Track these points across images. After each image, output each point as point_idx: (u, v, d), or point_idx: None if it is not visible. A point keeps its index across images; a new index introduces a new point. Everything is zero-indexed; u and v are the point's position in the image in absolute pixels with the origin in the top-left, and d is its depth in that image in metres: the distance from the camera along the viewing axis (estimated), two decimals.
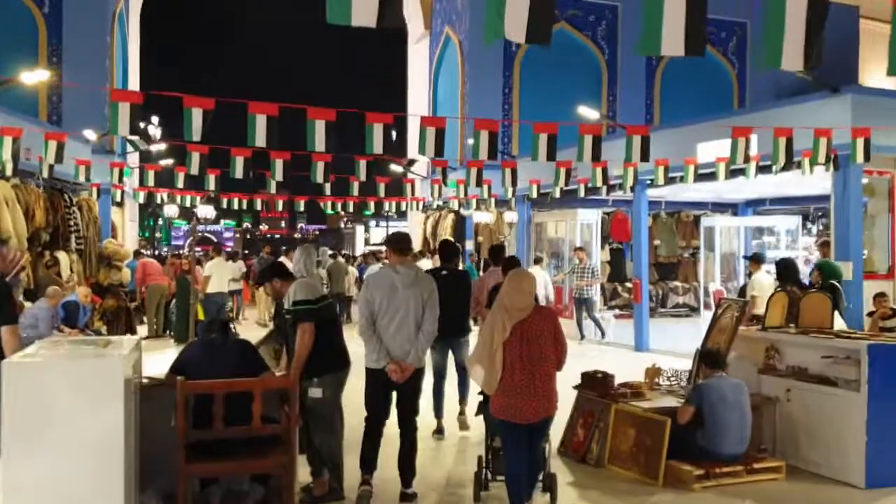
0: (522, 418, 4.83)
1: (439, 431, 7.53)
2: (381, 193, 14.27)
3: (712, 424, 6.08)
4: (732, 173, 11.02)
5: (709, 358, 6.45)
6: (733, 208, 19.60)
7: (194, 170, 8.52)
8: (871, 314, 9.90)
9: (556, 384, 4.98)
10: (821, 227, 20.45)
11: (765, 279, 10.09)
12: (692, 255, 20.31)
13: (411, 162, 18.76)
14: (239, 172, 8.61)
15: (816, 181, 14.46)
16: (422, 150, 6.60)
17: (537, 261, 15.36)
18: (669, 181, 12.19)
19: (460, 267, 8.46)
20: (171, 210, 22.72)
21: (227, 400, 4.68)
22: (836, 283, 9.54)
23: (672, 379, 7.37)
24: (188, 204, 17.06)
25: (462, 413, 7.75)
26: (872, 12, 25.75)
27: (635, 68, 22.26)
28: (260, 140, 6.14)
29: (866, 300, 10.47)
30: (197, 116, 5.98)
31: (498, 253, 8.68)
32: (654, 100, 22.30)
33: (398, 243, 5.79)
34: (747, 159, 7.61)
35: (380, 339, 5.51)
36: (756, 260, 10.53)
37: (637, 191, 14.14)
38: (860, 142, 7.64)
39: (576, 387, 7.07)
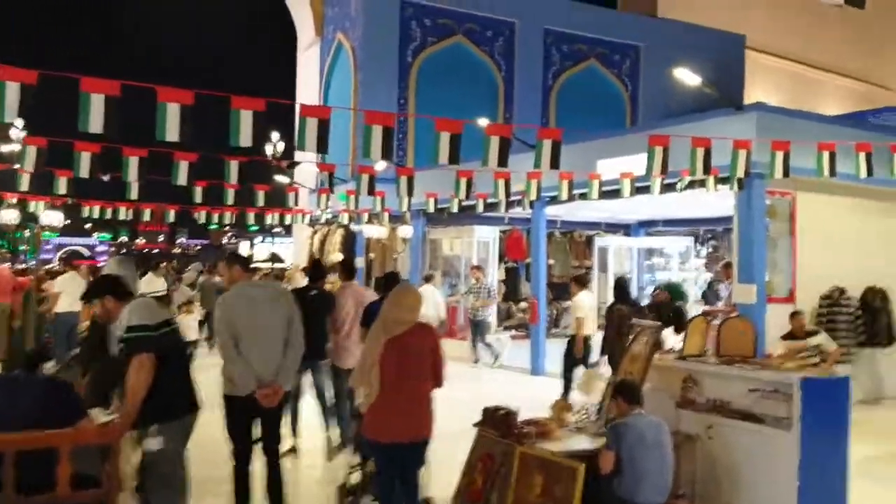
0: (395, 437, 4.68)
1: (293, 451, 7.35)
2: (261, 203, 12.94)
3: (630, 470, 5.28)
4: (638, 190, 10.50)
5: (627, 392, 5.66)
6: (626, 229, 19.42)
7: (29, 166, 7.15)
8: (785, 336, 9.56)
9: (433, 405, 4.85)
10: (710, 250, 20.59)
11: (586, 300, 10.38)
12: (585, 275, 20.02)
13: (292, 164, 17.53)
14: (84, 171, 7.26)
15: (713, 202, 14.28)
16: (301, 145, 5.56)
17: (428, 278, 14.49)
18: (572, 198, 11.59)
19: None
20: (49, 217, 20.46)
21: (23, 458, 3.49)
22: (679, 306, 9.35)
23: (581, 414, 6.57)
24: (31, 209, 15.17)
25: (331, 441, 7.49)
26: (756, 44, 26.57)
27: (531, 86, 21.90)
28: (96, 126, 4.94)
29: (769, 324, 10.12)
30: (12, 92, 4.74)
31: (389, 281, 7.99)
32: (550, 118, 21.98)
33: (239, 259, 5.64)
34: (665, 169, 6.97)
35: (246, 362, 5.11)
36: (579, 282, 10.59)
37: (536, 208, 13.57)
38: (779, 156, 7.18)
39: (476, 424, 6.15)
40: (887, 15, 32.07)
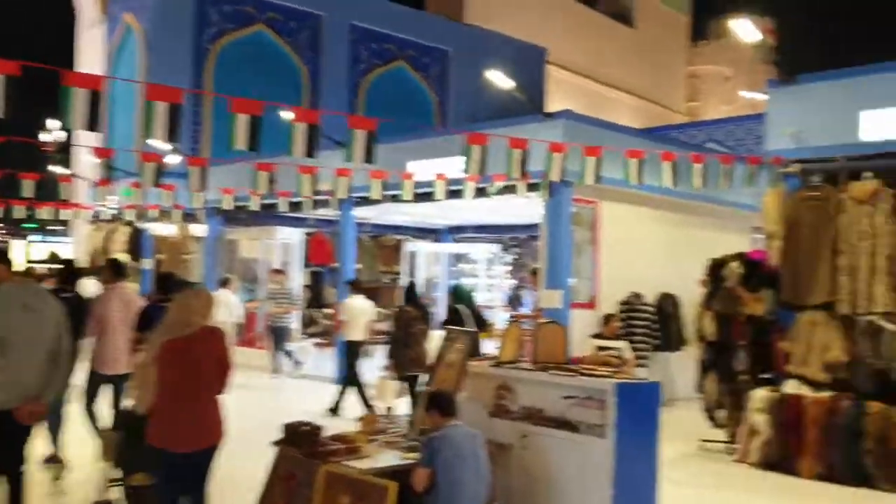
0: (181, 446, 4.46)
1: (58, 462, 6.70)
2: (27, 194, 11.24)
3: (446, 485, 4.89)
4: (451, 194, 10.29)
5: (441, 403, 5.26)
6: (435, 234, 19.37)
7: None
8: (595, 336, 9.74)
9: (221, 411, 4.62)
10: (514, 256, 21.02)
11: (357, 304, 10.53)
12: (393, 280, 19.76)
13: (64, 147, 15.75)
14: None
15: (519, 210, 14.48)
16: (69, 121, 4.68)
17: (224, 282, 13.48)
18: (383, 198, 11.17)
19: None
20: None
21: None
22: (462, 307, 9.48)
23: (391, 426, 6.11)
24: None
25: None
26: (555, 58, 27.73)
27: (338, 82, 21.34)
28: None
29: (573, 329, 10.25)
30: None
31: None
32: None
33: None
34: (483, 169, 6.70)
35: (10, 372, 4.75)
36: (354, 286, 10.82)
37: (344, 209, 13.03)
38: (590, 161, 7.15)
39: (276, 443, 5.51)
40: (656, 34, 34.79)
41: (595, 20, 32.70)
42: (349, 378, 10.18)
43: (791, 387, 7.71)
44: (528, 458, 5.65)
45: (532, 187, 10.20)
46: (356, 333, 10.42)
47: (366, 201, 12.97)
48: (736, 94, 47.83)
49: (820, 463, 7.23)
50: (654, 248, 11.85)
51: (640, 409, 5.38)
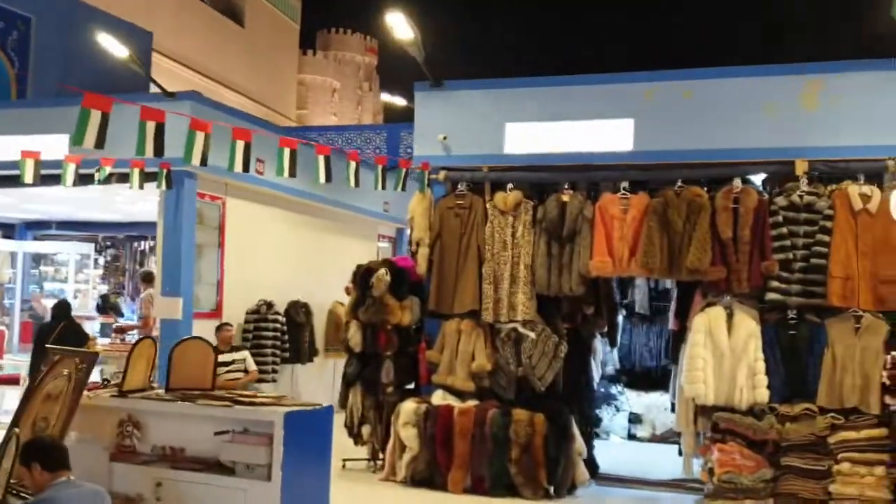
0: None
1: None
2: None
3: None
4: (45, 180, 8.28)
5: (44, 454, 3.78)
6: (8, 230, 16.17)
7: None
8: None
9: None
10: (108, 258, 18.61)
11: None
12: None
13: None
14: None
15: (120, 204, 12.63)
16: None
17: None
18: None
19: None
20: None
21: None
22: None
23: None
24: None
25: None
26: (162, 47, 25.45)
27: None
28: None
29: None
30: None
31: None
32: None
33: None
34: (101, 143, 5.16)
35: None
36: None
37: None
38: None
39: None
40: (267, 37, 34.39)
41: (205, 13, 30.99)
42: None
43: (438, 398, 7.45)
44: None
45: (148, 177, 8.69)
46: None
47: None
48: (343, 105, 49.58)
49: (469, 475, 7.05)
50: (283, 252, 11.03)
51: (312, 442, 4.50)
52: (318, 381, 11.66)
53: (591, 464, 7.52)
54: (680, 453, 7.25)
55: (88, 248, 15.66)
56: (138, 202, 12.68)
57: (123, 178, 8.63)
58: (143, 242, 18.45)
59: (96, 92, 5.38)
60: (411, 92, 8.48)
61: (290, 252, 11.18)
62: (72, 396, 4.56)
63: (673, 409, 7.78)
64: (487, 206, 7.73)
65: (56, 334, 8.66)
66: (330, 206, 11.88)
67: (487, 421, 7.09)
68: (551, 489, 6.92)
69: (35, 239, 16.10)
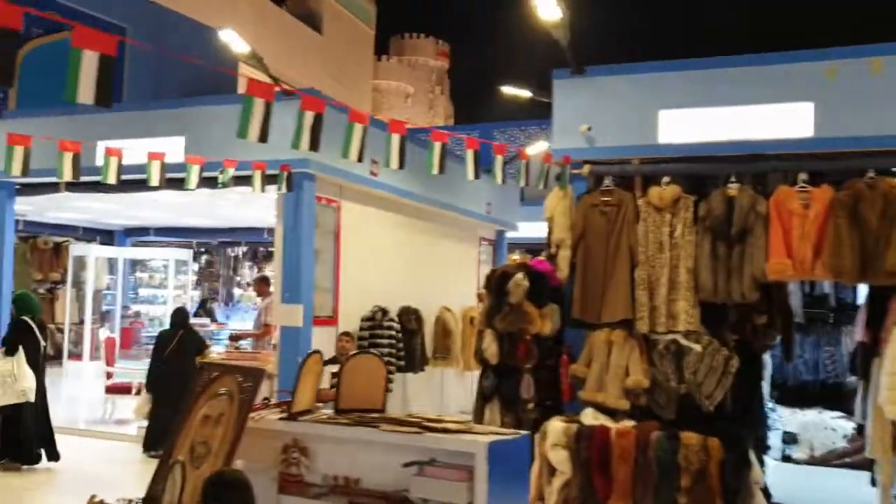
0: None
1: None
2: None
3: None
4: (169, 183, 7.93)
5: (230, 493, 3.25)
6: (105, 237, 16.15)
7: None
8: (328, 362, 8.07)
9: None
10: (202, 264, 18.53)
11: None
12: (49, 290, 16.14)
13: None
14: None
15: (222, 210, 12.34)
16: None
17: None
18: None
19: None
20: None
21: None
22: (29, 320, 7.97)
23: None
24: None
25: None
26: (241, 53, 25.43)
27: None
28: None
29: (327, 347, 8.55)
30: None
31: None
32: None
33: None
34: (265, 134, 4.64)
35: None
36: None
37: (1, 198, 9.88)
38: (395, 140, 5.30)
39: None
40: (343, 44, 34.26)
41: (284, 19, 31.04)
42: None
43: (589, 417, 6.75)
44: None
45: (269, 179, 8.28)
46: None
47: (36, 188, 9.96)
48: (416, 109, 49.32)
49: None
50: (393, 256, 10.54)
51: (513, 477, 3.86)
52: (427, 392, 11.15)
53: (765, 493, 6.71)
54: (873, 483, 6.39)
55: (186, 254, 15.49)
56: (241, 207, 12.40)
57: (243, 180, 8.21)
58: (236, 248, 18.31)
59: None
60: (479, 92, 7.69)
61: (399, 256, 10.69)
62: (237, 419, 4.04)
63: (860, 432, 6.91)
64: (639, 202, 7.00)
65: (175, 342, 8.30)
66: (437, 209, 11.35)
67: (651, 444, 6.35)
68: None
69: (133, 245, 16.04)
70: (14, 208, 10.19)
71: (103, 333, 12.44)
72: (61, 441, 9.33)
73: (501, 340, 7.26)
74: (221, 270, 18.41)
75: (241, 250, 18.32)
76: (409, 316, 10.18)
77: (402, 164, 5.67)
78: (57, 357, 15.43)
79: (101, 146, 8.19)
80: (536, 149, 6.11)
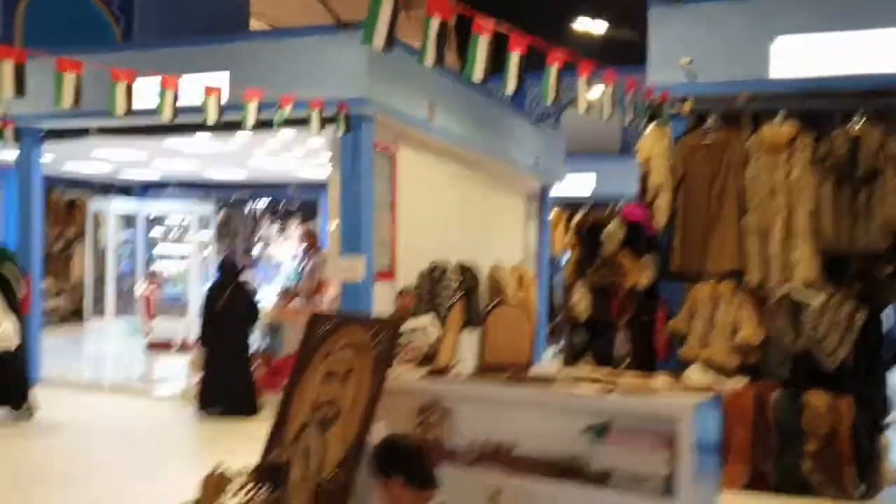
0: None
1: None
2: None
3: None
4: (227, 126, 7.24)
5: (417, 467, 2.65)
6: (125, 191, 15.44)
7: None
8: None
9: None
10: (220, 221, 17.81)
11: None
12: (63, 248, 15.49)
13: None
14: None
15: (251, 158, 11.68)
16: None
17: None
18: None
19: None
20: None
21: None
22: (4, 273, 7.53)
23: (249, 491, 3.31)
24: None
25: None
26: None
27: None
28: None
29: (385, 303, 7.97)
30: None
31: None
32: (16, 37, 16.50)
33: None
34: (389, 41, 3.94)
35: None
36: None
37: (27, 145, 9.14)
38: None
39: None
40: None
41: None
42: None
43: (696, 374, 6.18)
44: None
45: (325, 122, 7.59)
46: None
47: (57, 135, 9.27)
48: None
49: (749, 469, 5.79)
50: (447, 210, 9.91)
51: (711, 442, 3.27)
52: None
53: None
54: None
55: (209, 208, 14.75)
56: (275, 158, 11.71)
57: (299, 122, 7.51)
58: (256, 204, 17.62)
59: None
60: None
61: (452, 209, 10.06)
62: (373, 376, 3.43)
63: None
64: (749, 142, 6.38)
65: (227, 296, 7.69)
66: (489, 158, 10.68)
67: (771, 405, 5.81)
68: (859, 490, 5.61)
69: (151, 199, 15.34)
70: (41, 157, 9.44)
71: (139, 289, 11.80)
72: (104, 400, 8.77)
73: (594, 294, 6.68)
74: (240, 227, 17.72)
75: (260, 207, 17.63)
76: (466, 272, 9.56)
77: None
78: (76, 314, 14.83)
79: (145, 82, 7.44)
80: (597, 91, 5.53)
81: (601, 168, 14.99)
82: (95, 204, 13.83)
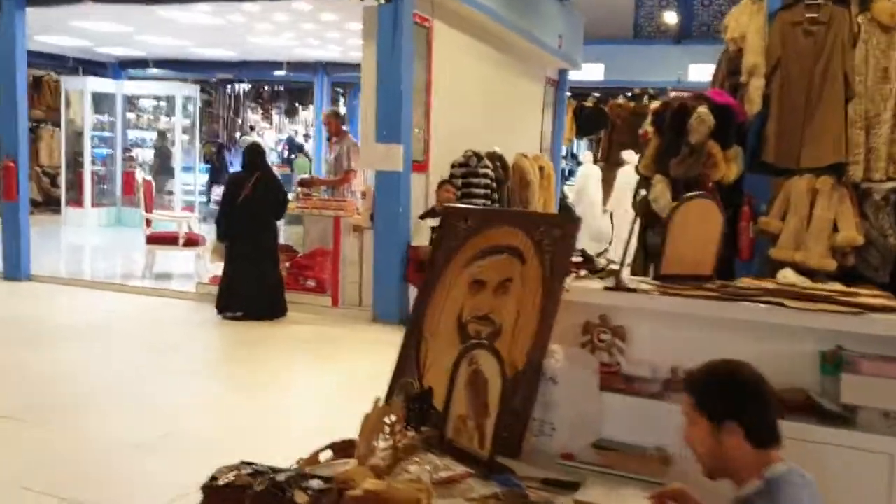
0: None
1: None
2: None
3: None
4: None
5: (751, 414, 2.00)
6: (97, 69, 14.14)
7: None
8: (424, 215, 6.94)
9: None
10: (200, 104, 16.62)
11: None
12: (31, 129, 14.30)
13: None
14: None
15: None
16: None
17: None
18: None
19: None
20: None
21: None
22: None
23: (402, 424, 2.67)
24: None
25: None
26: None
27: None
28: None
29: (417, 197, 7.27)
30: None
31: None
32: None
33: None
34: None
35: None
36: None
37: (7, 11, 7.97)
38: None
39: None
40: None
41: None
42: None
43: (789, 277, 5.63)
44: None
45: None
46: None
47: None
48: None
49: None
50: (477, 94, 9.09)
51: None
52: None
53: None
54: None
55: (193, 89, 13.59)
56: (278, 34, 10.64)
57: None
58: (237, 86, 16.43)
59: None
60: None
61: (481, 94, 9.23)
62: (543, 287, 2.77)
63: None
64: (858, 19, 5.63)
65: (251, 186, 6.88)
66: (518, 35, 9.76)
67: None
68: None
69: (129, 79, 14.09)
70: (25, 23, 8.23)
71: (139, 175, 10.82)
72: (104, 297, 8.04)
73: (676, 188, 6.01)
74: (221, 112, 16.57)
75: (243, 88, 16.46)
76: (496, 162, 8.83)
77: None
78: (49, 203, 13.83)
79: None
80: None
81: (614, 54, 14.16)
82: (70, 82, 12.60)
